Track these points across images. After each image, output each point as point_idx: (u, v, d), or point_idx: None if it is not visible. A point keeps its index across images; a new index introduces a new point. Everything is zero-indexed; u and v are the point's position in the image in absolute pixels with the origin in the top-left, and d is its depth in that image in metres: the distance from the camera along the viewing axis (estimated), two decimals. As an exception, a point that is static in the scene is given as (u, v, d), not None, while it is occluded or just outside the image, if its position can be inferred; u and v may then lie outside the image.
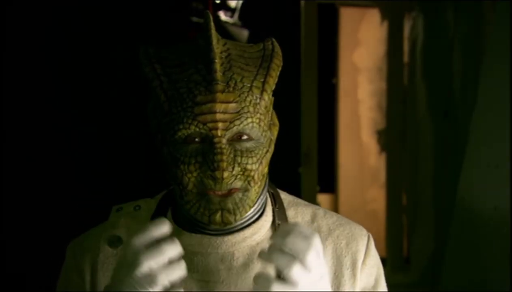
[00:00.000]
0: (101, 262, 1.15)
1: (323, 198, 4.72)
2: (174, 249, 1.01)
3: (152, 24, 3.35)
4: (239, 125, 1.05)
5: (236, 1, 3.63)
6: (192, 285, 1.12)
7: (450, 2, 3.25)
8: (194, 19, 3.43)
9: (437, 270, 3.04)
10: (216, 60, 1.05)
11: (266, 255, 1.01)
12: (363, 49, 4.78)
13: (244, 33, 3.64)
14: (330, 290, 1.04)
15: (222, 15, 3.56)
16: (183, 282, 1.11)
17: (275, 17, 3.90)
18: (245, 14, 3.68)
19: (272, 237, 1.03)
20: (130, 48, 3.31)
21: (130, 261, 1.01)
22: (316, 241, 1.01)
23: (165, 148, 1.09)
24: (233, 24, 3.62)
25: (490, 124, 2.56)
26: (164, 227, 1.02)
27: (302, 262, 0.99)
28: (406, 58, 4.20)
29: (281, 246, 1.00)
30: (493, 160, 2.50)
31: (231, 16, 3.62)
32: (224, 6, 3.61)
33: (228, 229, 1.14)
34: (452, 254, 2.68)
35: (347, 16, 4.73)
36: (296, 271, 0.99)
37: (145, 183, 3.25)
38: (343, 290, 1.14)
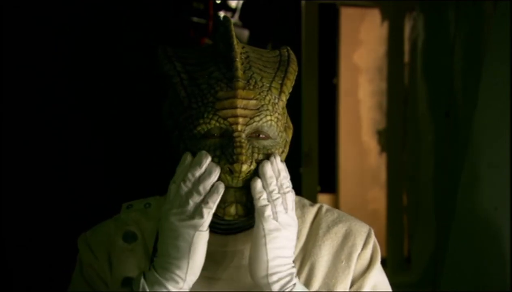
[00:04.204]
0: (116, 256, 1.17)
1: (323, 198, 4.72)
2: (212, 177, 1.06)
3: (153, 24, 3.35)
4: (258, 121, 1.07)
5: (236, 1, 3.64)
6: (201, 283, 1.13)
7: (451, 2, 3.25)
8: (195, 19, 3.43)
9: (438, 270, 3.04)
10: (237, 59, 1.08)
11: (268, 171, 1.07)
12: (363, 49, 4.78)
13: (245, 33, 3.64)
14: (295, 239, 1.10)
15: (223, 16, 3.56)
16: None
17: (275, 17, 3.90)
18: (246, 14, 3.68)
19: (267, 163, 1.08)
20: (131, 48, 3.32)
21: (171, 196, 1.07)
22: (293, 193, 1.10)
23: (182, 144, 1.10)
24: (234, 25, 3.62)
25: (491, 124, 2.56)
26: (204, 162, 1.07)
27: (283, 198, 1.07)
28: (406, 58, 4.19)
29: (276, 177, 1.07)
30: (493, 160, 2.50)
31: (232, 17, 3.62)
32: (225, 6, 3.61)
33: (237, 228, 1.16)
34: (453, 254, 2.68)
35: (347, 16, 4.72)
36: (278, 204, 1.07)
37: (148, 181, 3.24)
38: (336, 282, 1.16)
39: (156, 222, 1.14)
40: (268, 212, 1.06)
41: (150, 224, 1.18)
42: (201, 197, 1.05)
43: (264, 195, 1.06)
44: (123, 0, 3.31)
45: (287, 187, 1.08)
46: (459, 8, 3.11)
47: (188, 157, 1.07)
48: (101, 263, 1.17)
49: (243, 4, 3.66)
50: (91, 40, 3.25)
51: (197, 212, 1.04)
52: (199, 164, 1.05)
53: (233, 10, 3.63)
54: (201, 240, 1.05)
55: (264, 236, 1.05)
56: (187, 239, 1.04)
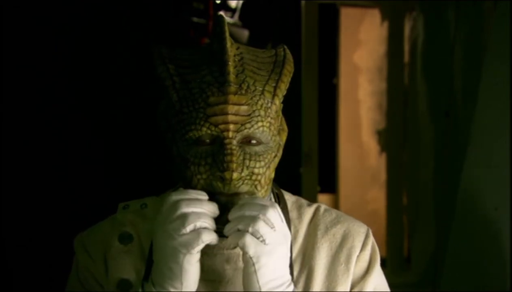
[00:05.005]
0: (112, 257, 1.16)
1: (323, 198, 4.72)
2: (211, 205, 1.04)
3: (153, 24, 3.35)
4: (250, 128, 1.06)
5: (236, 1, 3.64)
6: (198, 285, 1.12)
7: (451, 2, 3.25)
8: (195, 19, 3.43)
9: (438, 270, 3.04)
10: (230, 62, 1.06)
11: (228, 226, 1.04)
12: (363, 49, 4.78)
13: (245, 33, 3.64)
14: (289, 254, 1.07)
15: (223, 15, 3.56)
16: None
17: (275, 17, 3.90)
18: (246, 14, 3.68)
19: (230, 213, 1.04)
20: (131, 48, 3.32)
21: (167, 209, 1.04)
22: (276, 207, 1.05)
23: (175, 147, 1.10)
24: (234, 25, 3.62)
25: (491, 124, 2.56)
26: (202, 195, 1.05)
27: (264, 219, 1.03)
28: (406, 58, 4.20)
29: (240, 213, 1.03)
30: (493, 160, 2.50)
31: (232, 17, 3.62)
32: (225, 6, 3.61)
33: None
34: (453, 254, 2.68)
35: (347, 16, 4.72)
36: (261, 226, 1.02)
37: (147, 182, 3.25)
38: (336, 285, 1.15)
39: (152, 223, 1.11)
40: (247, 241, 1.02)
41: (146, 225, 1.17)
42: (195, 225, 1.02)
43: (234, 230, 1.04)
44: (123, 0, 3.31)
45: (263, 207, 1.04)
46: (459, 8, 3.12)
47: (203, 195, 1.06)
48: (96, 264, 1.17)
49: (243, 4, 3.66)
50: (91, 40, 3.25)
51: (191, 237, 1.02)
52: (200, 202, 1.04)
53: (233, 10, 3.63)
54: (192, 261, 1.03)
55: (253, 264, 1.03)
56: (178, 261, 1.03)
